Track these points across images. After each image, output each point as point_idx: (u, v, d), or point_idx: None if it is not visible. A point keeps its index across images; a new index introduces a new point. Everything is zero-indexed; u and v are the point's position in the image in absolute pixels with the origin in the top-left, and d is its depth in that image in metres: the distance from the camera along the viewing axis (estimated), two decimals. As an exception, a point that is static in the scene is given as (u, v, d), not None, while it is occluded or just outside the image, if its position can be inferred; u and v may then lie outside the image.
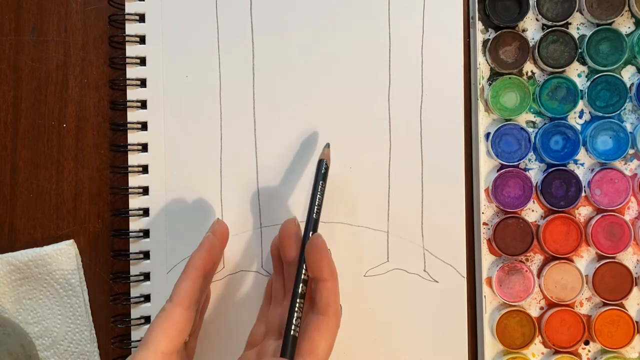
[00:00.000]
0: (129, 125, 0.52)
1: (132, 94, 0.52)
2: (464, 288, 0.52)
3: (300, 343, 0.42)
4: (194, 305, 0.44)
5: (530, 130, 0.52)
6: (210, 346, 0.51)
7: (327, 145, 0.50)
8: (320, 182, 0.47)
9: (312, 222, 0.46)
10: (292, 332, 0.42)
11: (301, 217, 0.51)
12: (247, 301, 0.52)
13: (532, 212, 0.52)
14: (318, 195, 0.46)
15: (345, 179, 0.52)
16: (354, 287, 0.52)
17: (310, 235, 0.45)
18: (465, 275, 0.52)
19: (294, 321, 0.42)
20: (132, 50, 0.52)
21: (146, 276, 0.51)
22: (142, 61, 0.52)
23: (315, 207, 0.46)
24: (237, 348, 0.50)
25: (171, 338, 0.42)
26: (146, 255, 0.52)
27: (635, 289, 0.51)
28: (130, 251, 0.51)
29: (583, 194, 0.51)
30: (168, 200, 0.52)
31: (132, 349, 0.51)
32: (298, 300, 0.43)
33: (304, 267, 0.44)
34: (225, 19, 0.53)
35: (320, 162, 0.48)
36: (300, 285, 0.44)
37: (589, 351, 0.51)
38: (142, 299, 0.51)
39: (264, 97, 0.52)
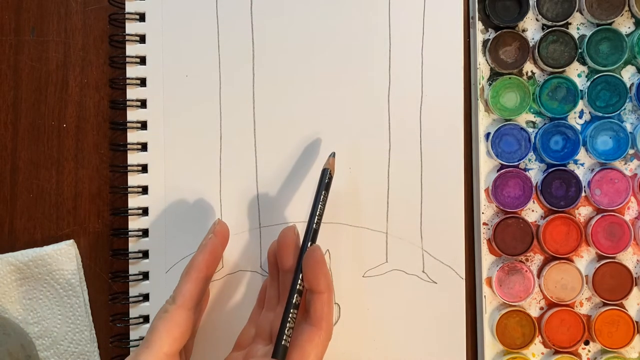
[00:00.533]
0: (128, 125, 0.52)
1: (132, 93, 0.52)
2: (462, 289, 0.52)
3: (291, 352, 0.42)
4: (196, 307, 0.45)
5: (530, 130, 0.52)
6: (209, 346, 0.51)
7: (332, 155, 0.49)
8: (323, 192, 0.46)
9: (312, 232, 0.45)
10: (283, 342, 0.42)
11: (300, 218, 0.51)
12: (245, 301, 0.51)
13: (532, 212, 0.52)
14: (320, 205, 0.46)
15: (345, 179, 0.52)
16: (353, 287, 0.52)
17: (309, 245, 0.45)
18: (464, 277, 0.52)
19: (285, 331, 0.42)
20: (132, 49, 0.52)
21: (145, 275, 0.51)
22: (142, 60, 0.52)
23: (316, 217, 0.46)
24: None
25: (174, 340, 0.42)
26: (145, 254, 0.51)
27: (635, 289, 0.51)
28: (129, 250, 0.51)
29: (583, 194, 0.51)
30: (167, 199, 0.52)
31: (130, 348, 0.51)
32: (292, 310, 0.43)
33: (300, 277, 0.44)
34: (225, 19, 0.53)
35: (324, 171, 0.47)
36: (295, 295, 0.43)
37: (589, 351, 0.51)
38: (140, 298, 0.51)
39: (263, 97, 0.52)
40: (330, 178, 0.47)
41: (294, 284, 0.44)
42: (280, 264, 0.47)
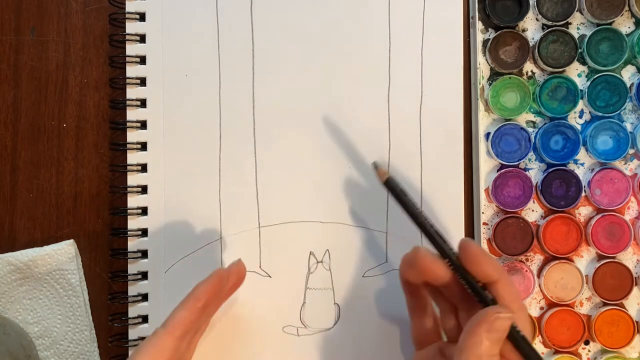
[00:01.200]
0: (128, 124, 0.52)
1: (132, 92, 0.52)
2: (463, 288, 0.51)
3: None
4: (187, 336, 0.43)
5: (530, 130, 0.52)
6: (208, 346, 0.51)
7: (376, 165, 0.46)
8: (406, 199, 0.44)
9: (438, 235, 0.43)
10: None
11: (299, 218, 0.51)
12: (244, 301, 0.51)
13: (532, 212, 0.52)
14: (418, 211, 0.43)
15: (344, 178, 0.52)
16: (353, 287, 0.51)
17: (448, 244, 0.42)
18: (464, 276, 0.52)
19: None
20: (132, 49, 0.52)
21: (144, 275, 0.51)
22: (142, 60, 0.52)
23: (424, 219, 0.43)
24: (234, 347, 0.50)
25: None
26: (144, 254, 0.51)
27: (635, 289, 0.51)
28: (129, 250, 0.51)
29: (583, 193, 0.51)
30: (166, 199, 0.51)
31: (129, 348, 0.51)
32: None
33: (467, 279, 0.41)
34: (225, 19, 0.53)
35: (388, 183, 0.44)
36: (481, 293, 0.41)
37: (589, 351, 0.51)
38: (139, 297, 0.51)
39: (263, 97, 0.52)
40: (395, 182, 0.44)
41: (473, 289, 0.41)
42: (436, 281, 0.43)
